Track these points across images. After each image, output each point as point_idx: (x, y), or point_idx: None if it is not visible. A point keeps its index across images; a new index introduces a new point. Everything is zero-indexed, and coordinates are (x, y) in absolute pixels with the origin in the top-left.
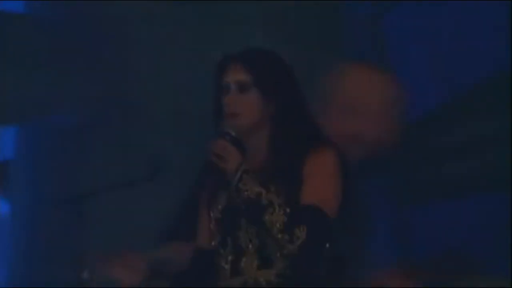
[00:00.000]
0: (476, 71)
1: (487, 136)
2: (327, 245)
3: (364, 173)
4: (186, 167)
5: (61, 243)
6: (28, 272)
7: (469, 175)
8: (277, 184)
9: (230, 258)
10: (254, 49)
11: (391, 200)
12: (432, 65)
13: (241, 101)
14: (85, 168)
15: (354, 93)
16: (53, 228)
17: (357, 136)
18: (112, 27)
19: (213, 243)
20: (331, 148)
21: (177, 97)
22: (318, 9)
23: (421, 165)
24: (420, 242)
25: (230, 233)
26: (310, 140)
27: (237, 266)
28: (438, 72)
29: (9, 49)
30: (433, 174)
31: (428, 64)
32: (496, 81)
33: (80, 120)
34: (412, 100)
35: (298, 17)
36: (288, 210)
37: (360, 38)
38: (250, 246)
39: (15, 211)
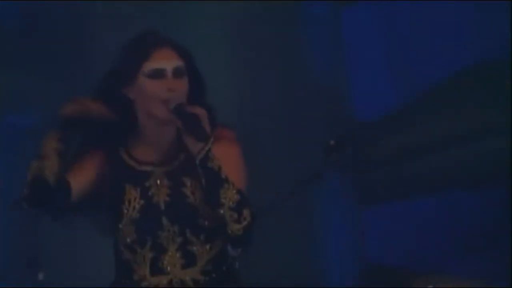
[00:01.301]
0: (435, 70)
1: (446, 135)
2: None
3: (321, 174)
4: None
5: (18, 244)
6: None
7: (428, 174)
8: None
9: (149, 256)
10: (161, 36)
11: (347, 201)
12: (390, 65)
13: (178, 86)
14: None
15: None
16: (10, 229)
17: None
18: (73, 27)
19: (128, 240)
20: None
21: None
22: (275, 9)
23: (379, 165)
24: (376, 243)
25: (149, 232)
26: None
27: (157, 264)
28: (396, 71)
29: None
30: (391, 174)
31: (386, 64)
32: (456, 80)
33: (39, 120)
34: (370, 100)
35: (255, 17)
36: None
37: (318, 38)
38: (172, 244)
39: None
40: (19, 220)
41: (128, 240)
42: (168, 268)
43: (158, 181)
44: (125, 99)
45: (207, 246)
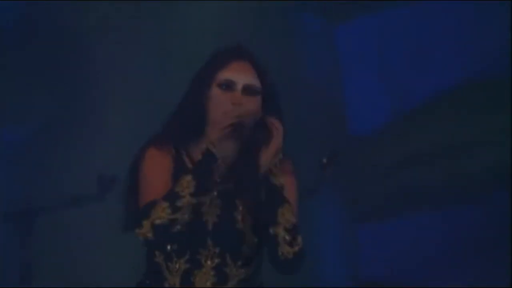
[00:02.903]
0: (429, 83)
1: (441, 148)
2: None
3: (315, 190)
4: None
5: (9, 256)
6: None
7: (424, 188)
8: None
9: (184, 267)
10: (252, 53)
11: (342, 217)
12: (385, 79)
13: (245, 102)
14: (33, 182)
15: None
16: (1, 241)
17: None
18: (63, 41)
19: (168, 247)
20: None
21: (129, 112)
22: (270, 24)
23: (374, 179)
24: (370, 259)
25: (191, 246)
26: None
27: (189, 277)
28: (391, 85)
29: None
30: (386, 189)
31: (380, 78)
32: (451, 92)
33: (28, 133)
34: (364, 114)
35: (250, 32)
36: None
37: (313, 53)
38: (209, 262)
39: None
40: (12, 232)
41: (169, 247)
42: (199, 283)
43: (212, 200)
44: (201, 105)
45: (242, 270)
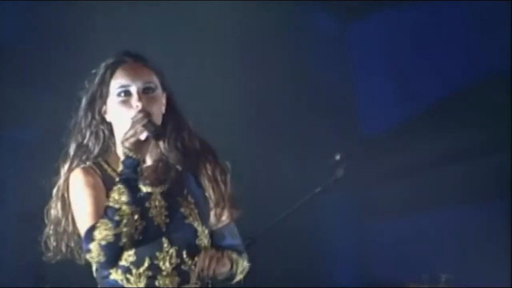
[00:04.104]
0: (439, 84)
1: (450, 151)
2: None
3: (327, 189)
4: None
5: (21, 257)
6: None
7: (433, 189)
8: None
9: (146, 275)
10: (136, 53)
11: (352, 216)
12: (395, 78)
13: (151, 102)
14: (44, 183)
15: None
16: (13, 242)
17: None
18: (69, 42)
19: (124, 263)
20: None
21: None
22: (281, 25)
23: (385, 179)
24: (379, 258)
25: (148, 252)
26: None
27: (152, 283)
28: (401, 86)
29: None
30: (396, 189)
31: (391, 78)
32: (460, 95)
33: (36, 133)
34: (374, 115)
35: (262, 33)
36: None
37: (324, 52)
38: (168, 265)
39: None
40: (25, 233)
41: (124, 263)
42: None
43: (157, 202)
44: (101, 121)
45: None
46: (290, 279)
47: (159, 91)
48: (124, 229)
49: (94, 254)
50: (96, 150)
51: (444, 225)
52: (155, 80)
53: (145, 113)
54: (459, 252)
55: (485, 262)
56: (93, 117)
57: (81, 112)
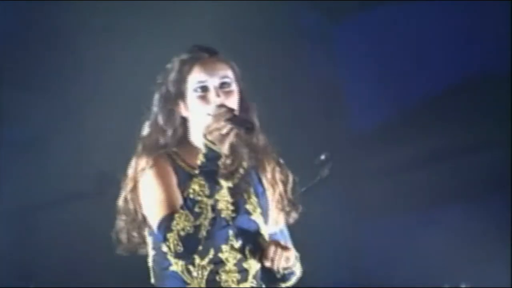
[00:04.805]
0: (425, 84)
1: (437, 150)
2: None
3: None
4: None
5: (10, 254)
6: None
7: (424, 187)
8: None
9: (208, 269)
10: (208, 47)
11: (340, 215)
12: (381, 78)
13: (228, 96)
14: (35, 181)
15: None
16: (2, 239)
17: None
18: (65, 42)
19: (205, 212)
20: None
21: (126, 110)
22: (269, 24)
23: (374, 178)
24: (369, 257)
25: (214, 244)
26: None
27: (214, 278)
28: (390, 83)
29: None
30: (384, 188)
31: (377, 77)
32: (452, 91)
33: (27, 132)
34: (361, 113)
35: (250, 28)
36: None
37: (311, 50)
38: (232, 259)
39: None
40: (13, 231)
41: (214, 200)
42: (225, 283)
43: (225, 196)
44: (177, 117)
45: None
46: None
47: (234, 85)
48: (204, 222)
49: (172, 244)
50: (170, 143)
51: (435, 223)
52: (231, 74)
53: (228, 108)
54: (455, 251)
55: (485, 261)
56: (169, 113)
57: (155, 108)
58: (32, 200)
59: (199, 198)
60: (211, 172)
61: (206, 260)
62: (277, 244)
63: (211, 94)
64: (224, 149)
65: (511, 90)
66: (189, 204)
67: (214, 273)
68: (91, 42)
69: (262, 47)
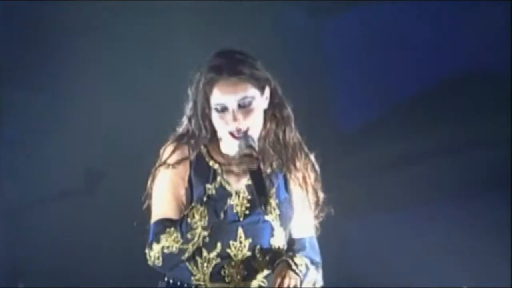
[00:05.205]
0: (415, 83)
1: (430, 148)
2: None
3: None
4: (120, 180)
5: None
6: None
7: (415, 186)
8: None
9: (214, 262)
10: (231, 54)
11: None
12: (370, 76)
13: (248, 115)
14: (21, 180)
15: None
16: None
17: None
18: (54, 41)
19: (195, 240)
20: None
21: (117, 108)
22: (255, 22)
23: (361, 177)
24: (360, 258)
25: (222, 238)
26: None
27: (219, 271)
28: (376, 83)
29: None
30: (370, 187)
31: (366, 76)
32: (438, 93)
33: (17, 129)
34: (349, 112)
35: (235, 26)
36: None
37: (298, 49)
38: (239, 256)
39: None
40: (1, 230)
41: (208, 232)
42: (229, 277)
43: (241, 192)
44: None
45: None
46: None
47: (256, 100)
48: (191, 247)
49: (153, 255)
50: (200, 139)
51: (431, 222)
52: (251, 92)
53: (252, 157)
54: (454, 251)
55: (484, 261)
56: (200, 125)
57: (186, 120)
58: (22, 198)
59: (195, 226)
60: (217, 207)
61: (214, 253)
62: (283, 271)
63: (229, 115)
64: (238, 187)
65: (511, 88)
66: (184, 228)
67: (219, 267)
68: (90, 42)
69: (248, 46)
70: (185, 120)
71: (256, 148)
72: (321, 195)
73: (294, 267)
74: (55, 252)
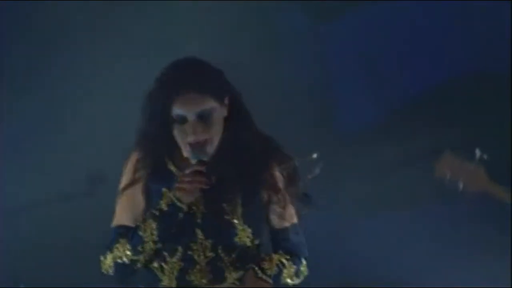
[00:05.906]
0: (416, 84)
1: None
2: None
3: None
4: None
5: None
6: None
7: (414, 186)
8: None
9: (179, 266)
10: (190, 66)
11: (329, 215)
12: (370, 77)
13: (206, 127)
14: (22, 181)
15: None
16: None
17: None
18: (55, 41)
19: (146, 252)
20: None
21: (117, 110)
22: (253, 25)
23: (362, 178)
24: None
25: (182, 242)
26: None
27: (183, 276)
28: (376, 84)
29: None
30: (371, 187)
31: (366, 76)
32: (437, 94)
33: (18, 131)
34: (351, 113)
35: (235, 28)
36: None
37: (299, 51)
38: (203, 257)
39: None
40: (2, 231)
41: (159, 246)
42: (195, 282)
43: (194, 203)
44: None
45: (237, 265)
46: None
47: (216, 112)
48: (143, 259)
49: (107, 263)
50: (160, 146)
51: (430, 223)
52: (210, 104)
53: (201, 173)
54: (453, 251)
55: (484, 261)
56: (159, 130)
57: (146, 127)
58: (22, 199)
59: (146, 239)
60: (167, 223)
61: (176, 257)
62: (249, 276)
63: (189, 129)
64: (190, 200)
65: (511, 88)
66: (136, 240)
67: (184, 271)
68: (91, 42)
69: (249, 48)
70: (145, 126)
71: (208, 163)
72: (300, 187)
73: (260, 274)
74: (56, 252)
